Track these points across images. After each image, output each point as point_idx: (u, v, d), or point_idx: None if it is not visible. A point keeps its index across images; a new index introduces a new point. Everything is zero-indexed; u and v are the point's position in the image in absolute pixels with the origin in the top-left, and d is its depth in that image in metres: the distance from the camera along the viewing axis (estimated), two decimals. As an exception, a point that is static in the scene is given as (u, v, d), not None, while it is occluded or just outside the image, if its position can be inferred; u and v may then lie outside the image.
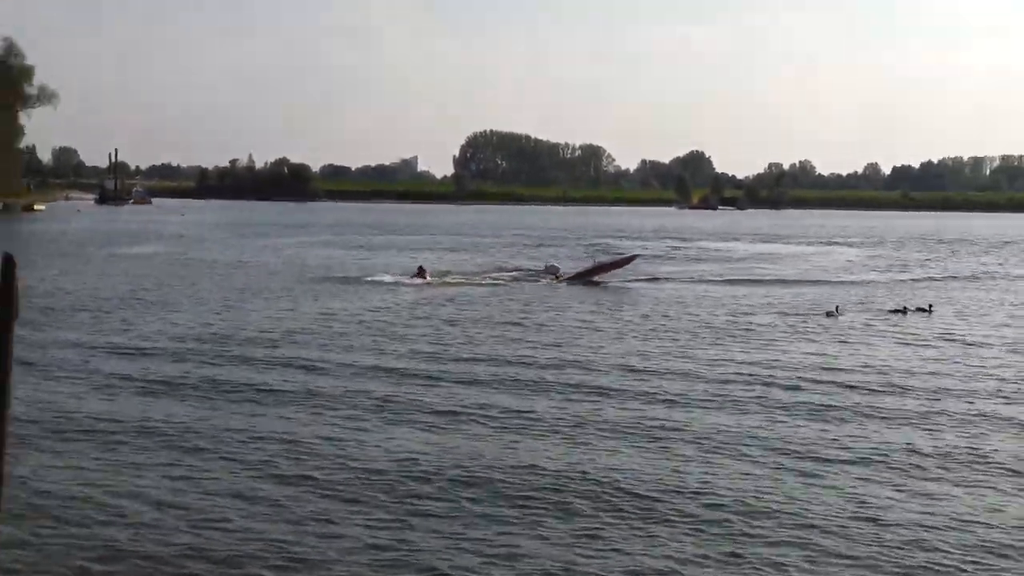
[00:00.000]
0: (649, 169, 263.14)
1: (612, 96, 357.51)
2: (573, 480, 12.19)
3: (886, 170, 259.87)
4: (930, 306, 31.10)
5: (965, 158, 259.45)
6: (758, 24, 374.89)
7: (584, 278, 37.72)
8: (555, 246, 64.26)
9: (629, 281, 38.20)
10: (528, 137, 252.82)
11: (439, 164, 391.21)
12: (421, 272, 38.62)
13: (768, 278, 41.44)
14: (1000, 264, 54.81)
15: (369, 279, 38.14)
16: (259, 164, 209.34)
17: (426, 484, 12.03)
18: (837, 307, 30.18)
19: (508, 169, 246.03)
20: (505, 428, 14.87)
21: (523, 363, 20.20)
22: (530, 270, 42.30)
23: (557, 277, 38.14)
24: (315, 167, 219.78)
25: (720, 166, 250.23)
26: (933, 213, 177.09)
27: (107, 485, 11.85)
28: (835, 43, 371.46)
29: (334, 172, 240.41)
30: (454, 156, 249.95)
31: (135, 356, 20.58)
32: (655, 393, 17.40)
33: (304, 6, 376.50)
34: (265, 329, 24.48)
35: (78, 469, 12.53)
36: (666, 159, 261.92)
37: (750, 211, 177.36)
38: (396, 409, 15.97)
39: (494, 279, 39.01)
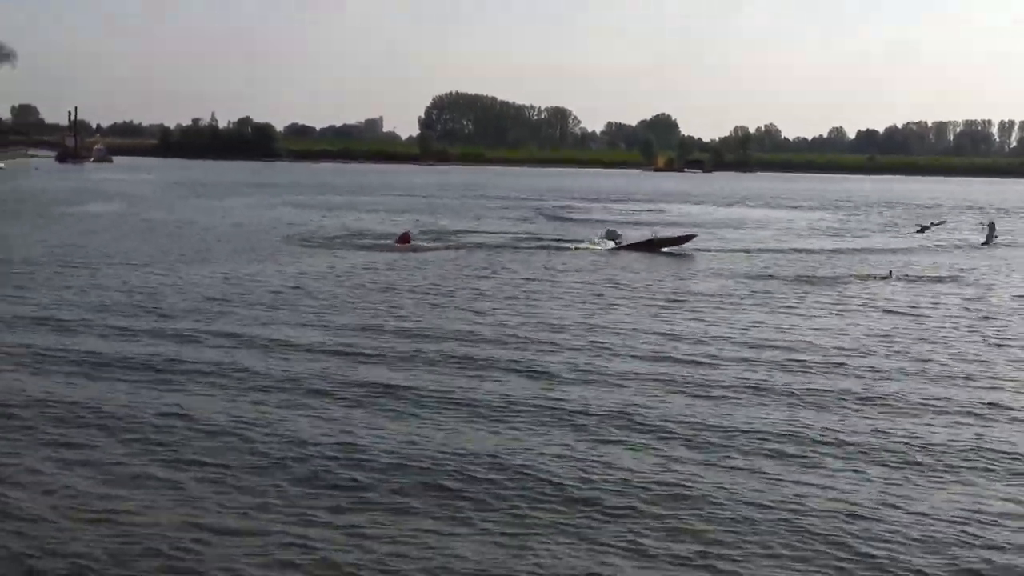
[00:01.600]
0: (615, 131, 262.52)
1: (579, 59, 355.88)
2: (502, 469, 11.28)
3: (851, 134, 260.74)
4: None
5: (929, 123, 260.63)
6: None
7: (641, 250, 36.12)
8: (519, 208, 63.67)
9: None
10: (494, 99, 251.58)
11: (405, 125, 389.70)
12: (405, 237, 37.13)
13: (735, 247, 40.66)
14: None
15: (351, 243, 36.92)
16: (222, 123, 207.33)
17: (359, 470, 11.17)
18: (891, 272, 30.25)
19: (474, 131, 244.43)
20: (432, 409, 13.69)
21: (474, 337, 19.30)
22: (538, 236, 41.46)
23: (617, 244, 36.64)
24: (279, 127, 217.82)
25: (686, 129, 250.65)
26: (900, 177, 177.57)
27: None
28: (800, 7, 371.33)
29: (299, 132, 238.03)
30: (420, 117, 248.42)
31: (49, 325, 19.12)
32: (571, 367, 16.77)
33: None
34: (217, 297, 23.82)
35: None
36: (632, 122, 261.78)
37: (716, 174, 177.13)
38: (314, 387, 14.84)
39: (480, 244, 37.89)
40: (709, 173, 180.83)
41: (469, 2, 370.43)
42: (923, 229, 25.41)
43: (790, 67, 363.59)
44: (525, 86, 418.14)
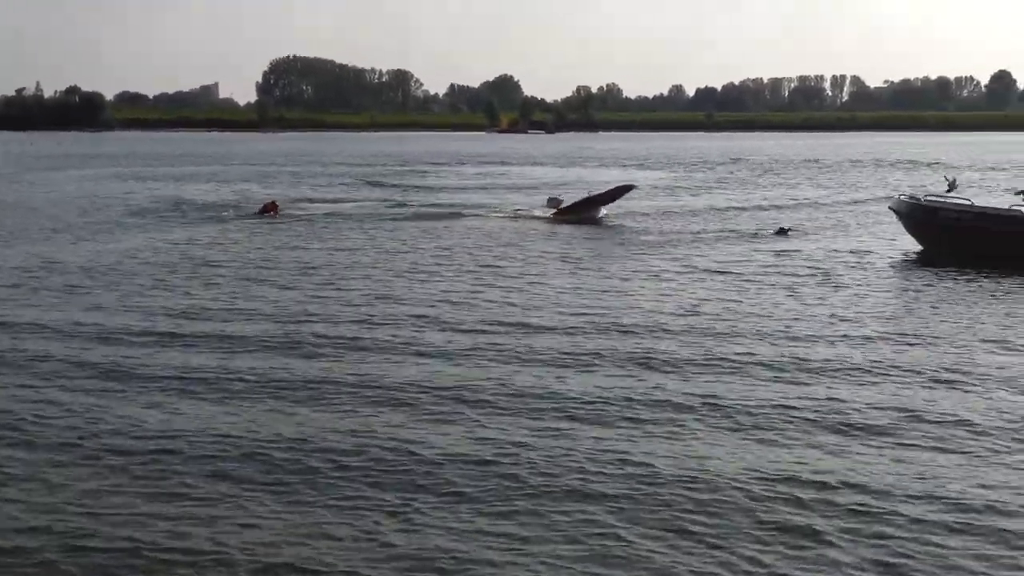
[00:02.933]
0: (458, 94, 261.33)
1: (420, 21, 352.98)
2: (315, 451, 10.47)
3: (690, 92, 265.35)
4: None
5: (765, 80, 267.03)
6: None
7: (580, 212, 34.24)
8: (368, 175, 62.12)
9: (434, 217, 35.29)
10: (333, 62, 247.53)
11: (241, 91, 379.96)
12: (269, 207, 35.40)
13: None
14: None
15: (193, 216, 34.85)
16: (48, 93, 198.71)
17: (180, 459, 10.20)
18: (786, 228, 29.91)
19: (313, 96, 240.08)
20: (254, 394, 12.62)
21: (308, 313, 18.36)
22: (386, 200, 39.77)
23: (558, 210, 34.66)
24: (109, 95, 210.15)
25: (529, 89, 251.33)
26: (737, 133, 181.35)
27: None
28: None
29: (130, 100, 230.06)
30: (257, 83, 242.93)
31: None
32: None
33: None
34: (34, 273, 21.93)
35: None
36: (475, 83, 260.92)
37: (560, 134, 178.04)
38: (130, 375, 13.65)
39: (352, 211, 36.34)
40: (553, 134, 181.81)
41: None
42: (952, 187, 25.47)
43: (631, 27, 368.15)
44: (365, 49, 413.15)
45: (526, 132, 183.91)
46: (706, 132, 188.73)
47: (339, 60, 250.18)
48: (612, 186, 37.02)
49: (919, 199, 26.33)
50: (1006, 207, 24.89)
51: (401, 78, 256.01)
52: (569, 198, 35.63)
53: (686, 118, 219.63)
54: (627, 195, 35.83)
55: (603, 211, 34.40)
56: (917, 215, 25.80)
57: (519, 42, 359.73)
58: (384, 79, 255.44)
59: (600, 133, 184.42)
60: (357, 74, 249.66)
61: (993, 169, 67.40)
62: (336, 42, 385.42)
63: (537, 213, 34.89)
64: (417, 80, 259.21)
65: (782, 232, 29.41)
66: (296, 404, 12.10)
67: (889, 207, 28.13)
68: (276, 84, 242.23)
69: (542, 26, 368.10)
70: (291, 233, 29.81)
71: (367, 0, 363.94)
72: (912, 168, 69.47)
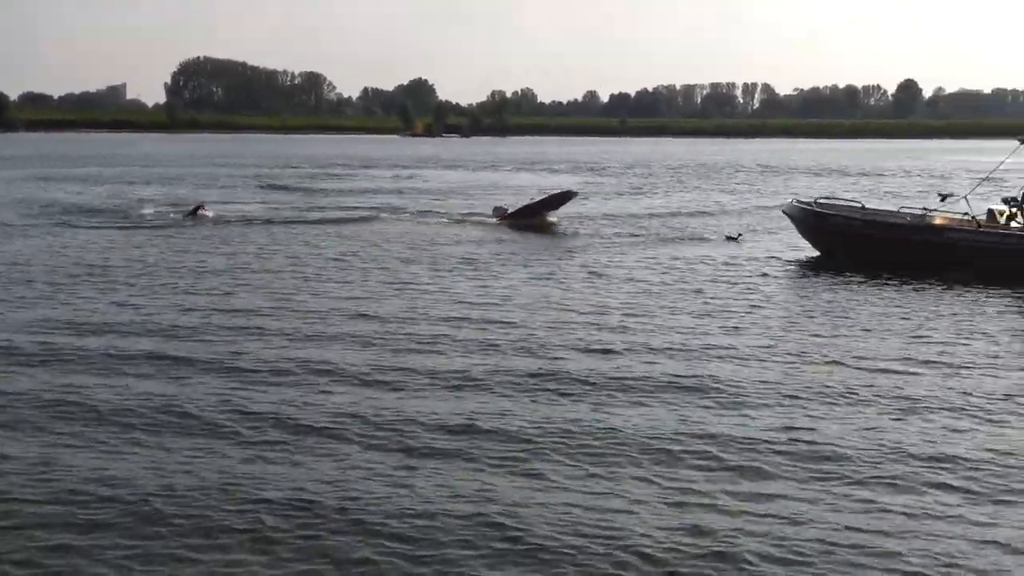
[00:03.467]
0: (372, 97, 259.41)
1: (333, 22, 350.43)
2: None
3: (604, 98, 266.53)
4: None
5: (678, 86, 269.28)
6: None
7: (523, 217, 33.91)
8: (282, 177, 61.32)
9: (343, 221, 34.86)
10: (244, 64, 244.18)
11: (150, 92, 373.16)
12: (197, 211, 34.57)
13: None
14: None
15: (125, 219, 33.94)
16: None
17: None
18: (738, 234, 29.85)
19: (224, 98, 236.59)
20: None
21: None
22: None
23: (503, 218, 34.15)
24: (13, 96, 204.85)
25: (443, 94, 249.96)
26: (651, 139, 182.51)
27: None
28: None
29: (34, 100, 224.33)
30: (166, 84, 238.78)
31: None
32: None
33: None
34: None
35: None
36: (389, 87, 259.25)
37: (474, 138, 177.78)
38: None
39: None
40: (468, 138, 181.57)
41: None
42: (944, 198, 25.42)
43: (545, 29, 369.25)
44: (277, 51, 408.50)
45: (441, 136, 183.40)
46: (620, 137, 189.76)
47: (251, 62, 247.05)
48: (552, 193, 37.12)
49: (810, 204, 26.52)
50: (896, 211, 25.32)
51: (314, 81, 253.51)
52: (515, 205, 35.83)
53: (600, 123, 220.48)
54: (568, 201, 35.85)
55: (552, 217, 34.55)
56: (809, 220, 25.97)
57: (434, 45, 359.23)
58: (296, 81, 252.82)
59: (515, 138, 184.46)
60: (269, 76, 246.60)
61: (908, 175, 68.78)
62: (247, 43, 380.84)
63: (485, 219, 34.78)
64: (330, 83, 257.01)
65: (731, 239, 29.48)
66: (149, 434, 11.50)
67: (783, 211, 28.32)
68: (186, 86, 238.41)
69: (457, 30, 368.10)
70: (216, 239, 29.16)
71: (279, 1, 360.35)
72: (822, 174, 70.50)
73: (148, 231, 30.97)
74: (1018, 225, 23.54)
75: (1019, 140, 24.77)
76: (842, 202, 27.17)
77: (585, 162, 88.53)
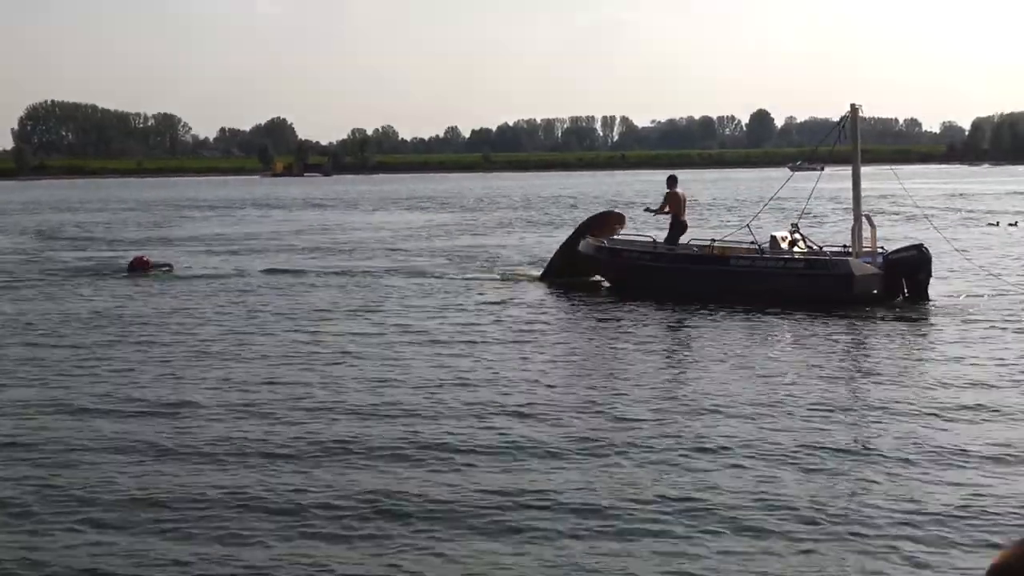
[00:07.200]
0: (229, 138, 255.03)
1: (186, 62, 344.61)
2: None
3: (466, 133, 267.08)
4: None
5: (538, 120, 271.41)
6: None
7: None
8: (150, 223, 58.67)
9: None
10: (95, 107, 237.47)
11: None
12: (137, 263, 30.80)
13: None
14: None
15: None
16: None
17: None
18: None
19: (75, 142, 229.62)
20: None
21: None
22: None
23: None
24: None
25: (303, 133, 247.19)
26: (512, 174, 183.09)
27: None
28: (403, 8, 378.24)
29: None
30: (13, 129, 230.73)
31: None
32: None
33: None
34: None
35: None
36: (247, 127, 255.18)
37: (336, 177, 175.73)
38: None
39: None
40: (330, 176, 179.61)
41: (65, 6, 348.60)
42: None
43: (402, 68, 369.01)
44: (129, 93, 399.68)
45: (302, 175, 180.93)
46: (483, 172, 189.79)
47: (101, 105, 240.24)
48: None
49: (603, 242, 26.93)
50: (686, 243, 25.61)
51: (168, 122, 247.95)
52: None
53: (464, 159, 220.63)
54: None
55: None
56: (603, 256, 26.44)
57: (291, 83, 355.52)
58: (150, 123, 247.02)
59: (377, 175, 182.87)
60: (121, 119, 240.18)
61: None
62: (98, 84, 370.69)
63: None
64: (185, 124, 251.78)
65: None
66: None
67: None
68: (34, 130, 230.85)
69: (313, 69, 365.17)
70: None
71: (129, 43, 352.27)
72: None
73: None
74: (800, 250, 24.29)
75: (789, 167, 25.76)
76: (639, 238, 27.43)
77: (447, 198, 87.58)
